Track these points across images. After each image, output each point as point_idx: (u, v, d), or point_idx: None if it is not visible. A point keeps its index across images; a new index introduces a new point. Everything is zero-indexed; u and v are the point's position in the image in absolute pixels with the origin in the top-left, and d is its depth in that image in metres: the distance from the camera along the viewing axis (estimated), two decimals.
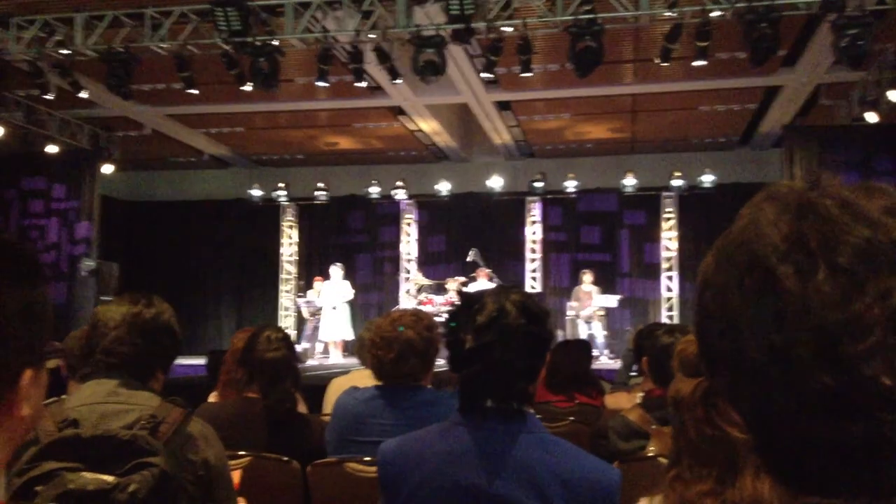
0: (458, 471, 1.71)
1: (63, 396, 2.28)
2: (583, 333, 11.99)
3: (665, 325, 3.99)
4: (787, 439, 0.58)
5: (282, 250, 15.45)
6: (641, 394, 3.26)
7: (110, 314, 2.10)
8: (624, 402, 3.82)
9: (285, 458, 2.87)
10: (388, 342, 2.74)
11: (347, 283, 12.95)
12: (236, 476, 2.28)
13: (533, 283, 14.30)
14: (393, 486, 1.80)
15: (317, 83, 8.86)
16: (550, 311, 1.93)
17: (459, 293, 11.70)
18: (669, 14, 7.76)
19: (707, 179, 13.03)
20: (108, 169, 12.94)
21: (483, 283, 12.06)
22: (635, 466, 2.65)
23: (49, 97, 9.57)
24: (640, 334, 3.83)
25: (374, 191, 14.01)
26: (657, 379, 2.99)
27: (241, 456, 2.82)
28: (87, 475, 1.59)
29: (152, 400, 1.99)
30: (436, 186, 13.98)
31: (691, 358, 2.49)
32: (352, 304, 13.06)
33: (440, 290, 12.84)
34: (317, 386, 5.14)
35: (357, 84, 9.01)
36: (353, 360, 9.60)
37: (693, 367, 2.38)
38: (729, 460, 0.66)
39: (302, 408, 3.61)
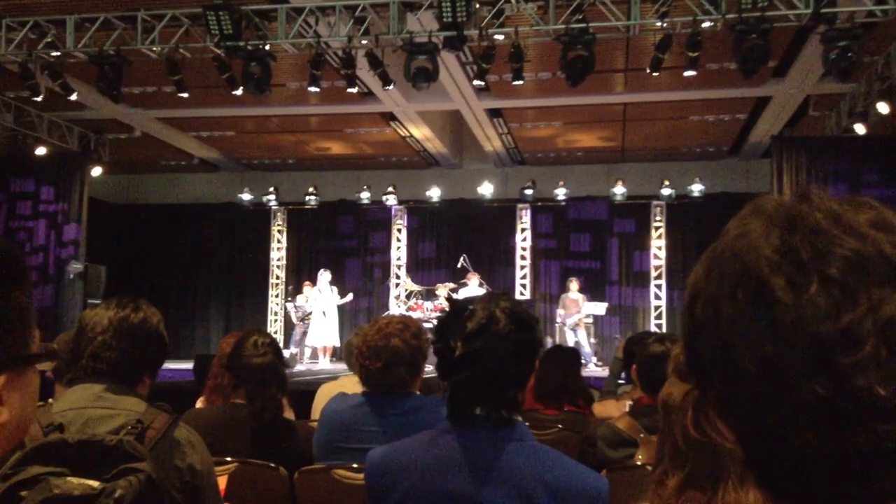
0: (446, 479, 1.71)
1: (50, 401, 2.26)
2: (569, 341, 12.00)
3: (655, 333, 4.00)
4: (780, 451, 0.58)
5: (271, 255, 15.41)
6: (630, 402, 3.26)
7: (97, 318, 2.09)
8: (612, 410, 3.82)
9: (272, 465, 2.85)
10: (375, 351, 2.71)
11: (336, 289, 12.93)
12: (222, 482, 2.27)
13: (522, 289, 14.31)
14: (381, 494, 1.79)
15: (308, 88, 8.86)
16: (539, 319, 1.93)
17: (449, 300, 11.68)
18: (660, 24, 7.80)
19: (696, 188, 13.09)
20: (97, 171, 12.89)
21: (474, 286, 12.05)
22: (623, 475, 2.64)
23: (39, 99, 9.52)
24: (630, 342, 3.83)
25: (365, 196, 14.00)
26: (646, 387, 2.99)
27: (228, 462, 2.80)
28: (73, 480, 1.57)
29: (139, 405, 1.98)
30: (426, 192, 13.98)
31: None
32: (340, 309, 13.04)
33: (430, 295, 12.83)
34: (306, 391, 5.13)
35: (349, 90, 9.01)
36: (342, 366, 9.59)
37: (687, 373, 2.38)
38: (711, 467, 0.66)
39: (289, 414, 3.59)
